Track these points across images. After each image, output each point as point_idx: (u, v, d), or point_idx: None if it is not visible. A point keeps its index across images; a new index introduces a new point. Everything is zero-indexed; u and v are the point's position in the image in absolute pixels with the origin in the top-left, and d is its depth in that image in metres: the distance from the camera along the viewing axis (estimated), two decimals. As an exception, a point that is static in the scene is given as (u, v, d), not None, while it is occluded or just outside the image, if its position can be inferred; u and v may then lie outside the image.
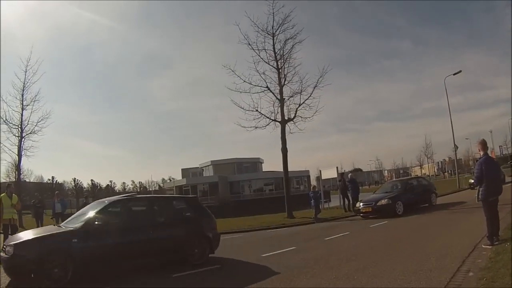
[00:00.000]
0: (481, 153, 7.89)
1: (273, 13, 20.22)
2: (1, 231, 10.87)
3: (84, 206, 10.42)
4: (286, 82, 20.97)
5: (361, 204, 16.86)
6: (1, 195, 10.85)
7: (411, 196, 16.95)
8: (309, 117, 21.02)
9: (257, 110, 20.78)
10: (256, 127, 21.01)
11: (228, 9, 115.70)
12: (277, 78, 20.92)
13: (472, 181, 17.65)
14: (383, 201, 15.94)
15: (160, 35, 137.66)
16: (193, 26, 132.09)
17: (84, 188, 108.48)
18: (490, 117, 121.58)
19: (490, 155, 8.03)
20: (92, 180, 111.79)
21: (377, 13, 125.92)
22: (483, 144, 7.93)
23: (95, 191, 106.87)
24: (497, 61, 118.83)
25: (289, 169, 22.16)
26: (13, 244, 6.78)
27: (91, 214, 7.86)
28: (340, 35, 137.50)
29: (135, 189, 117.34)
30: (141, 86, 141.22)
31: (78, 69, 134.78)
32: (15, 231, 11.07)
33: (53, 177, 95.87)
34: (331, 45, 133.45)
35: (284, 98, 20.92)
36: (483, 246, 7.46)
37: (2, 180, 43.30)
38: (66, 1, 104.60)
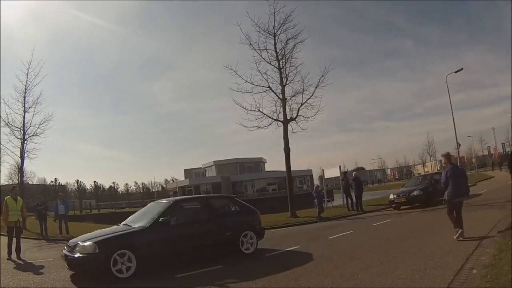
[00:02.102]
0: (448, 164, 9.29)
1: (274, 13, 20.25)
2: (6, 233, 10.93)
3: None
4: (288, 81, 20.97)
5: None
6: (6, 198, 10.89)
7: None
8: (311, 117, 21.03)
9: (259, 110, 20.80)
10: (258, 127, 21.02)
11: (229, 10, 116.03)
12: (279, 78, 20.92)
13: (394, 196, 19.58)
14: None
15: (161, 36, 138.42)
16: (194, 27, 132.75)
17: (87, 189, 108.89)
18: (492, 114, 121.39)
19: (456, 164, 9.56)
20: (95, 181, 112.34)
21: (378, 13, 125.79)
22: (447, 157, 9.47)
23: (98, 193, 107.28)
24: (498, 59, 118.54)
25: (292, 168, 22.15)
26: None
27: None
28: (341, 34, 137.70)
29: (138, 190, 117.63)
30: (143, 88, 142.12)
31: (79, 71, 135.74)
32: (20, 233, 11.14)
33: (56, 179, 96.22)
34: (333, 45, 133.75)
35: (286, 98, 20.91)
36: (454, 237, 8.63)
37: (5, 183, 43.72)
38: (66, 4, 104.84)
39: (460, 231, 8.62)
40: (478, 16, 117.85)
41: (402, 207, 18.63)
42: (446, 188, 9.01)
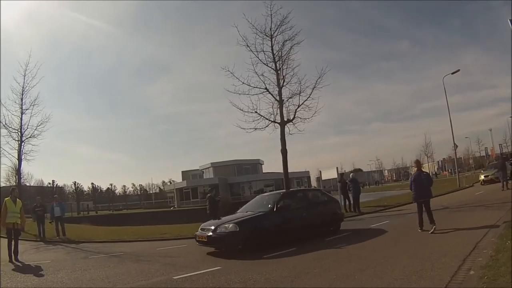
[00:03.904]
0: (415, 169, 11.50)
1: (271, 14, 20.25)
2: (5, 235, 10.92)
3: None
4: (284, 83, 20.96)
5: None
6: (5, 199, 10.88)
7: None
8: (309, 118, 21.03)
9: (256, 112, 20.75)
10: (255, 129, 20.94)
11: (226, 12, 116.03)
12: (276, 80, 20.90)
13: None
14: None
15: (158, 39, 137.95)
16: (191, 29, 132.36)
17: (85, 191, 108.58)
18: (490, 115, 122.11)
19: (422, 171, 11.25)
20: (92, 183, 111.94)
21: (374, 14, 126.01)
22: (417, 163, 11.92)
23: (96, 195, 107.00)
24: (495, 60, 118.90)
25: (289, 170, 22.14)
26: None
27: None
28: (337, 36, 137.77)
29: (135, 192, 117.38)
30: (140, 90, 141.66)
31: (77, 73, 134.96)
32: (18, 235, 11.13)
33: (53, 181, 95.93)
34: (329, 47, 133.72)
35: (283, 100, 20.91)
36: (418, 230, 10.47)
37: (3, 185, 43.54)
38: (64, 5, 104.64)
39: (434, 227, 10.26)
40: (474, 18, 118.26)
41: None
42: (412, 190, 11.03)
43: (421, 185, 10.72)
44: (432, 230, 10.10)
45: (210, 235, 9.95)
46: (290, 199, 12.25)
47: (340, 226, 12.57)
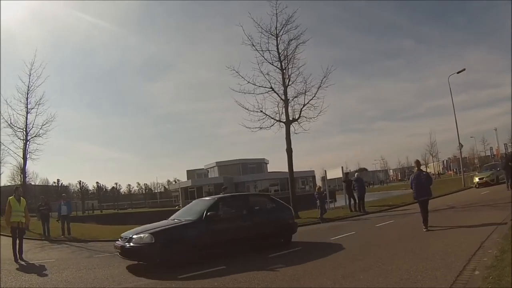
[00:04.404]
0: (416, 169, 11.57)
1: (277, 14, 20.33)
2: (10, 234, 10.94)
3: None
4: (290, 82, 21.02)
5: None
6: (9, 198, 10.89)
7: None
8: (314, 117, 21.13)
9: (261, 111, 20.86)
10: (260, 128, 21.09)
11: (231, 11, 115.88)
12: (281, 79, 20.97)
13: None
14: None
15: (162, 37, 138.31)
16: (195, 27, 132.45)
17: (90, 190, 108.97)
18: (495, 114, 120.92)
19: (421, 170, 11.45)
20: (97, 182, 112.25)
21: (379, 13, 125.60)
22: (417, 163, 11.92)
23: (100, 194, 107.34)
24: (501, 59, 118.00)
25: (294, 169, 22.21)
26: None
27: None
28: (342, 34, 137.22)
29: (140, 191, 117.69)
30: (145, 88, 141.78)
31: (81, 72, 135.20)
32: (22, 234, 11.15)
33: (58, 180, 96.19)
34: (334, 45, 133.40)
35: (289, 99, 20.97)
36: (423, 230, 10.60)
37: (8, 183, 43.83)
38: (68, 5, 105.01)
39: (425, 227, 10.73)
40: (480, 16, 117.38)
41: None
42: (412, 189, 11.32)
43: (421, 184, 10.96)
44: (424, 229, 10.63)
45: (124, 246, 8.55)
46: (225, 206, 10.45)
47: (292, 238, 10.86)
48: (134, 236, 8.55)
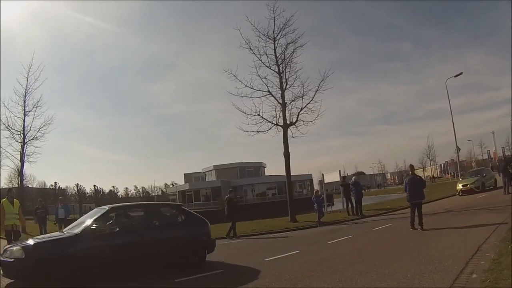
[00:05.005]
0: (410, 173, 12.44)
1: (274, 17, 20.33)
2: (5, 237, 10.83)
3: None
4: (287, 86, 21.01)
5: None
6: (2, 201, 10.72)
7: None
8: (311, 121, 21.08)
9: (259, 115, 20.83)
10: (258, 132, 21.01)
11: (230, 13, 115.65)
12: (279, 83, 20.94)
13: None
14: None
15: (163, 37, 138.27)
16: (196, 28, 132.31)
17: (87, 193, 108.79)
18: (493, 118, 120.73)
19: (415, 175, 12.31)
20: (95, 185, 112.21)
21: (378, 15, 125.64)
22: (411, 168, 13.06)
23: (98, 197, 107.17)
24: (500, 61, 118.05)
25: (292, 173, 22.15)
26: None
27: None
28: (340, 37, 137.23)
29: (137, 194, 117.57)
30: (144, 90, 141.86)
31: (80, 74, 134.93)
32: (17, 237, 11.05)
33: (56, 183, 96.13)
34: (332, 47, 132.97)
35: (286, 103, 20.93)
36: (410, 229, 11.46)
37: (5, 186, 43.72)
38: (67, 5, 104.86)
39: (421, 227, 11.24)
40: (479, 17, 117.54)
41: None
42: (406, 192, 12.00)
43: (414, 187, 11.68)
44: (421, 228, 11.25)
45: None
46: (119, 218, 8.81)
47: (206, 258, 9.21)
48: (9, 249, 7.48)
